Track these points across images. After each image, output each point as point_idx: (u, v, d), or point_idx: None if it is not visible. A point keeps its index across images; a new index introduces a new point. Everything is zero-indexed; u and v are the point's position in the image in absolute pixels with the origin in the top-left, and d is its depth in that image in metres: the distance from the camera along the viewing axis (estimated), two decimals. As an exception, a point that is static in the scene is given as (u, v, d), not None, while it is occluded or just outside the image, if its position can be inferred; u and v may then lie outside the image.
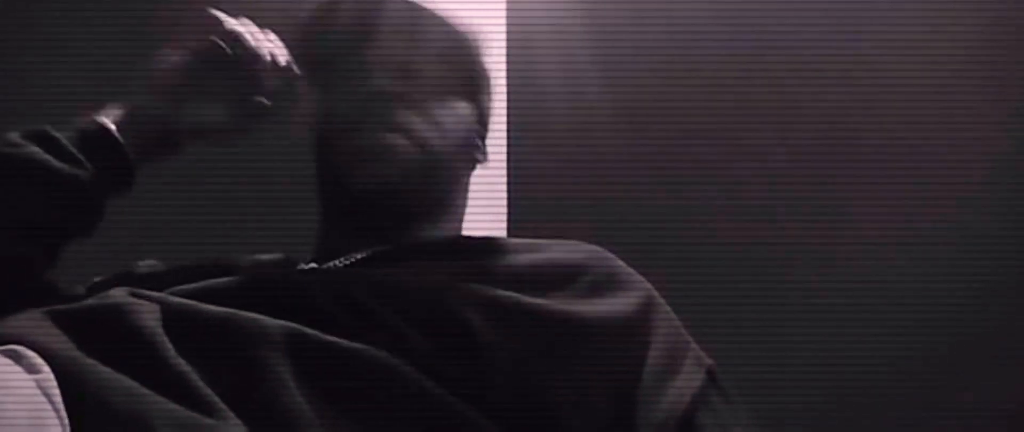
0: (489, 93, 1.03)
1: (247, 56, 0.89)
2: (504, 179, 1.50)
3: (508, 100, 1.53)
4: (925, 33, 1.51)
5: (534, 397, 0.75)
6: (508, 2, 1.57)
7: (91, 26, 1.54)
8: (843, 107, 1.50)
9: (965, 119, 1.47)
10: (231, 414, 0.62)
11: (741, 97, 1.51)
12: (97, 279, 0.92)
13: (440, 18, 0.96)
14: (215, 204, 1.43)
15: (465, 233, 0.99)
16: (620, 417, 0.80)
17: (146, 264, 0.96)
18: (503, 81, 1.54)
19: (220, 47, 0.88)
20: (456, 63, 0.97)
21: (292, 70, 0.93)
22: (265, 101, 0.92)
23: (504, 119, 1.52)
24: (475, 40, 1.00)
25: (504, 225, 1.47)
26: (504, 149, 1.51)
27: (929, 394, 1.37)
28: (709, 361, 0.88)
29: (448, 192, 0.97)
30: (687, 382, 0.84)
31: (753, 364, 1.25)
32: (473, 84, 0.99)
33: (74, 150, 0.84)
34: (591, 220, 1.45)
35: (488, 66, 1.02)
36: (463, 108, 0.97)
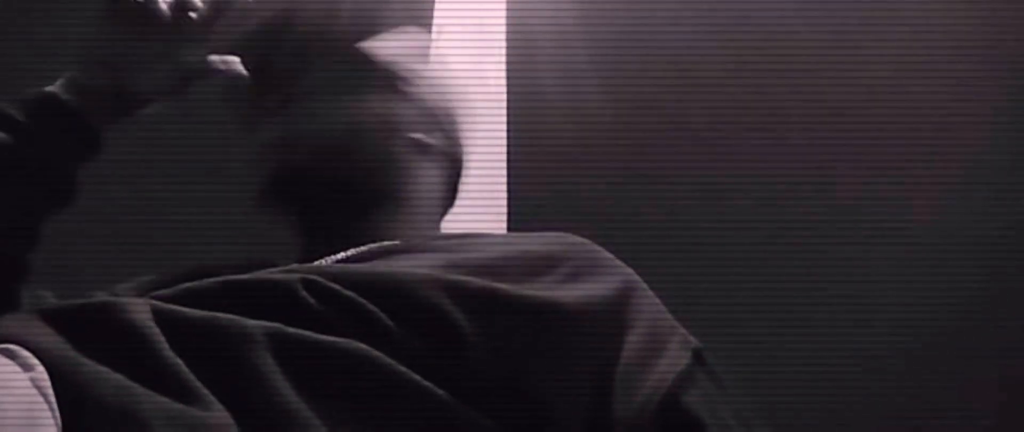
0: (420, 85, 1.03)
1: (164, 13, 0.89)
2: (504, 179, 1.50)
3: (508, 100, 1.53)
4: (916, 34, 1.52)
5: (516, 384, 0.75)
6: (508, 2, 1.57)
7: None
8: (841, 108, 1.50)
9: (956, 119, 1.48)
10: (223, 408, 0.62)
11: (739, 97, 1.51)
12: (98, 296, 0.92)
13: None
14: (203, 208, 1.43)
15: (455, 231, 1.00)
16: (602, 400, 0.80)
17: (124, 287, 0.96)
18: (503, 81, 1.54)
19: (134, 7, 0.88)
20: (361, 61, 0.98)
21: (210, 22, 0.92)
22: (194, 59, 0.92)
23: (504, 119, 1.52)
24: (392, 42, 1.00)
25: (504, 225, 1.47)
26: (504, 149, 1.51)
27: (917, 392, 1.37)
28: (696, 343, 0.88)
29: (386, 181, 0.97)
30: (672, 363, 0.83)
31: (751, 362, 1.25)
32: (388, 79, 1.00)
33: (22, 117, 0.84)
34: (591, 219, 1.45)
35: (413, 64, 1.02)
36: (377, 102, 0.98)
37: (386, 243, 0.90)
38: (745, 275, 1.43)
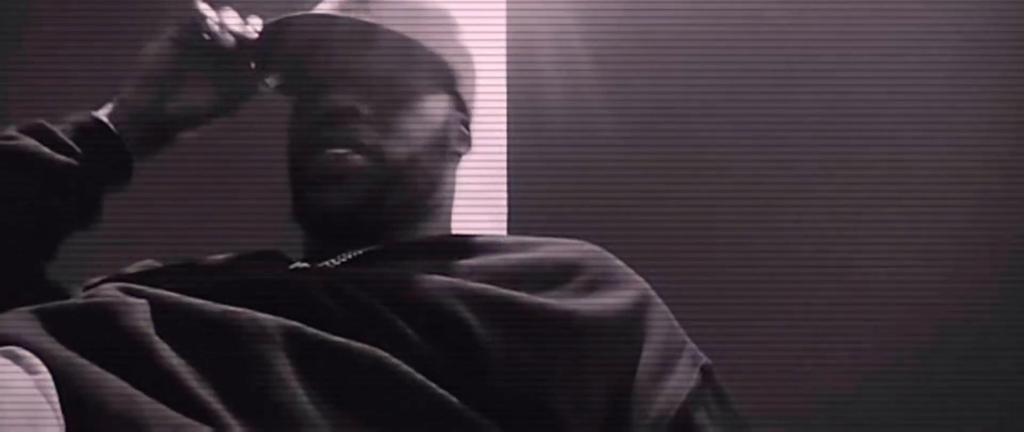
0: (468, 76, 1.00)
1: (225, 38, 0.91)
2: (504, 179, 1.50)
3: (508, 100, 1.53)
4: (921, 33, 1.52)
5: (531, 395, 0.75)
6: (508, 2, 1.57)
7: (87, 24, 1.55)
8: (841, 107, 1.50)
9: (961, 119, 1.48)
10: (226, 416, 0.62)
11: (739, 96, 1.51)
12: (94, 280, 0.93)
13: (400, 15, 0.93)
14: (206, 201, 1.44)
15: (461, 231, 0.99)
16: (616, 414, 0.80)
17: (142, 264, 0.97)
18: (503, 81, 1.54)
19: (198, 32, 0.90)
20: (420, 60, 0.94)
21: (266, 49, 0.94)
22: (246, 81, 0.95)
23: (504, 119, 1.52)
24: (444, 25, 0.97)
25: (504, 225, 1.48)
26: (504, 149, 1.51)
27: (923, 395, 1.37)
28: (705, 359, 0.88)
29: (430, 191, 0.95)
30: (683, 380, 0.84)
31: (750, 362, 1.25)
32: (444, 75, 0.96)
33: (70, 142, 0.86)
34: (591, 220, 1.46)
35: (462, 48, 0.99)
36: (432, 105, 0.95)
37: (400, 243, 0.90)
38: (746, 276, 1.43)
